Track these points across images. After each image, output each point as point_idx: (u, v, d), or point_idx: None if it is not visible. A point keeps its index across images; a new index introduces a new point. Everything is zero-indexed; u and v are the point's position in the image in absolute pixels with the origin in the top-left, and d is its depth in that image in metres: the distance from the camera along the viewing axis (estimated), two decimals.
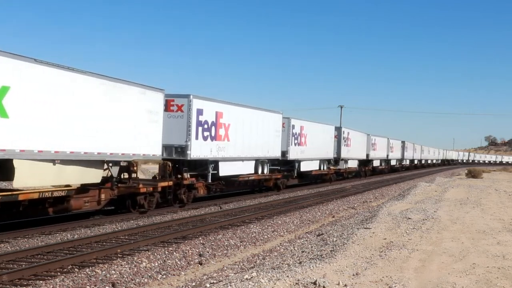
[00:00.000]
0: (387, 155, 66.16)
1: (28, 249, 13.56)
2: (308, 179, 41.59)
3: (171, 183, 22.30)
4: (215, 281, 10.53)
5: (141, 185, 20.45)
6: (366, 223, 15.91)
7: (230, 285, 8.70)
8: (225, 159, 25.98)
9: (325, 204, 27.65)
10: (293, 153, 35.36)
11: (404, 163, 78.95)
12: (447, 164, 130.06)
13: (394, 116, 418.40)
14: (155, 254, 13.82)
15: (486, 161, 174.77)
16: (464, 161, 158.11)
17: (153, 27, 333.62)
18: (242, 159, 27.99)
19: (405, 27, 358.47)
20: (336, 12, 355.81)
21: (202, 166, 24.87)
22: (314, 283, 8.60)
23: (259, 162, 30.25)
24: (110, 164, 18.94)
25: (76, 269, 11.99)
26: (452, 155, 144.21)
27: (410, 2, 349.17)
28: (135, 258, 13.18)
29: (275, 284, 8.56)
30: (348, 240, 12.91)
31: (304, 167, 37.79)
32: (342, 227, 17.05)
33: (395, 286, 8.68)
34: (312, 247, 13.86)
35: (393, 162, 71.11)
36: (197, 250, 14.82)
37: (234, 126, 26.73)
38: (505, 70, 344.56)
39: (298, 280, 8.77)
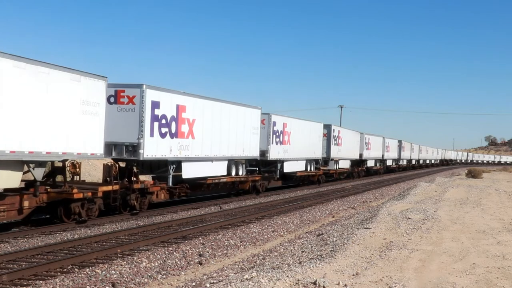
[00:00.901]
0: (383, 155, 63.76)
1: (28, 249, 13.56)
2: (293, 181, 38.55)
3: (116, 187, 19.14)
4: (215, 281, 10.53)
5: (75, 190, 17.19)
6: (366, 223, 15.91)
7: (230, 285, 8.70)
8: (190, 159, 23.11)
9: (325, 204, 27.65)
10: (274, 153, 32.56)
11: (401, 163, 76.75)
12: (446, 164, 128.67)
13: (394, 116, 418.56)
14: (155, 254, 13.83)
15: (485, 161, 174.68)
16: (463, 161, 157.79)
17: (153, 27, 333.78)
18: (212, 159, 25.19)
19: (405, 27, 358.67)
20: (336, 12, 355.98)
21: (161, 168, 22.24)
22: (314, 283, 8.60)
23: (232, 162, 27.39)
24: (32, 165, 15.81)
25: (76, 269, 12.00)
26: (451, 155, 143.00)
27: (410, 2, 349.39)
28: (135, 258, 13.18)
29: (275, 284, 8.56)
30: (348, 240, 12.91)
31: (288, 168, 34.94)
32: (342, 227, 17.04)
33: (395, 286, 8.68)
34: (312, 247, 13.86)
35: (389, 163, 68.74)
36: (197, 250, 14.82)
37: (201, 122, 23.75)
38: (505, 70, 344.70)
39: (298, 280, 8.77)
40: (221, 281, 9.92)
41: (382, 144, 63.36)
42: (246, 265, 13.26)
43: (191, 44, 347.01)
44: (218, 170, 26.06)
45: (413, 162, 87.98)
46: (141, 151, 19.98)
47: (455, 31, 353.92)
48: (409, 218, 16.41)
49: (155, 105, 20.60)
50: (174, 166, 22.21)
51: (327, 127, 43.25)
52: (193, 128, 23.29)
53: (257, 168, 31.45)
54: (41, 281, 10.92)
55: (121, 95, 20.05)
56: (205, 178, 25.02)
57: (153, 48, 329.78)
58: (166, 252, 14.14)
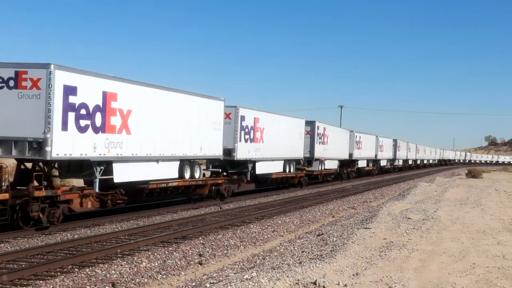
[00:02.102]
0: (376, 155, 59.89)
1: (28, 249, 13.57)
2: (268, 183, 34.06)
3: (6, 195, 15.20)
4: (215, 281, 10.53)
5: None
6: (366, 223, 15.91)
7: (230, 285, 8.70)
8: (124, 159, 18.95)
9: (325, 204, 27.66)
10: (243, 152, 28.40)
11: (396, 163, 73.12)
12: (444, 164, 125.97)
13: (394, 116, 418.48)
14: (155, 254, 13.83)
15: (483, 161, 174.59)
16: (461, 161, 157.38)
17: (153, 27, 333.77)
18: (157, 159, 20.97)
19: (405, 27, 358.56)
20: (336, 12, 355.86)
21: (84, 170, 18.37)
22: (314, 283, 8.60)
23: (186, 163, 23.26)
24: None
25: (76, 269, 12.00)
26: (449, 155, 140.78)
27: (410, 2, 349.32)
28: (135, 258, 13.19)
29: (275, 284, 8.56)
30: (348, 240, 12.91)
31: (261, 169, 30.65)
32: (342, 227, 17.04)
33: (395, 286, 8.68)
34: (312, 247, 13.86)
35: (383, 163, 64.81)
36: (197, 250, 14.82)
37: (139, 114, 19.61)
38: (505, 70, 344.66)
39: (298, 280, 8.77)
40: (221, 281, 9.92)
41: (375, 143, 59.82)
42: (246, 265, 13.26)
43: (191, 44, 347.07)
44: (166, 172, 21.81)
45: (410, 162, 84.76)
46: (48, 148, 15.75)
47: (455, 31, 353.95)
48: (409, 218, 16.41)
49: (70, 90, 16.47)
50: (102, 167, 18.04)
51: (310, 123, 39.08)
52: (128, 121, 18.95)
53: (220, 170, 28.41)
54: (41, 281, 10.93)
55: (23, 77, 15.92)
56: (146, 182, 20.46)
57: (153, 48, 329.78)
58: (166, 252, 14.14)
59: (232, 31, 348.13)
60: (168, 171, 22.04)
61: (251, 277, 9.04)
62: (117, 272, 12.00)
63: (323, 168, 41.82)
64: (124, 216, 19.94)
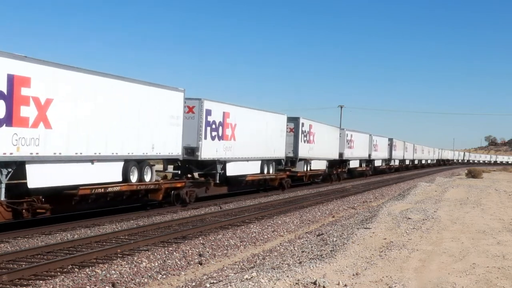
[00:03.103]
0: (369, 155, 56.83)
1: (28, 249, 13.57)
2: (243, 186, 30.12)
3: None
4: (215, 281, 10.53)
5: None
6: (366, 223, 15.91)
7: (230, 285, 8.70)
8: (41, 160, 15.63)
9: (325, 204, 27.66)
10: (209, 151, 24.96)
11: (392, 163, 69.79)
12: (443, 164, 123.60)
13: (394, 116, 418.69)
14: (155, 254, 13.83)
15: (481, 161, 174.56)
16: (460, 161, 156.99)
17: (153, 27, 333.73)
18: (91, 159, 17.60)
19: (405, 27, 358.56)
20: (336, 12, 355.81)
21: None
22: (314, 283, 8.60)
23: (132, 164, 19.73)
24: None
25: (76, 269, 12.00)
26: (448, 154, 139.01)
27: (410, 2, 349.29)
28: (135, 258, 13.19)
29: (275, 284, 8.56)
30: (348, 240, 12.91)
31: (233, 170, 27.37)
32: (342, 227, 17.05)
33: (395, 286, 8.68)
34: (312, 247, 13.86)
35: (377, 163, 61.43)
36: (197, 250, 14.82)
37: (60, 104, 16.12)
38: (505, 70, 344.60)
39: (298, 280, 8.77)
40: (221, 281, 9.92)
41: (368, 142, 56.66)
42: (246, 265, 13.27)
43: (191, 44, 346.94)
44: (105, 175, 18.42)
45: (407, 162, 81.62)
46: None
47: (455, 31, 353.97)
48: (409, 218, 16.41)
49: None
50: (10, 170, 14.88)
51: (294, 120, 35.60)
52: (47, 113, 15.72)
53: (180, 172, 25.13)
54: (41, 281, 10.92)
55: None
56: (74, 187, 17.19)
57: (153, 48, 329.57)
58: (166, 252, 14.14)
59: (232, 31, 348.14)
60: (108, 174, 18.49)
61: (251, 277, 9.04)
62: (117, 272, 12.00)
63: (308, 169, 38.52)
64: (124, 216, 19.93)
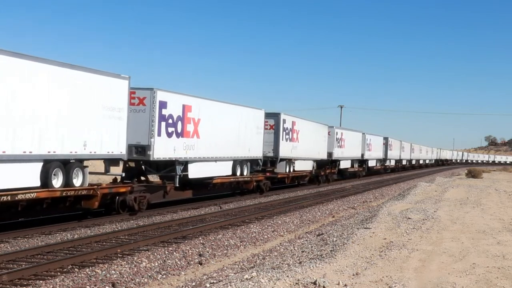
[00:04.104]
0: (362, 154, 53.88)
1: (28, 249, 13.57)
2: (209, 189, 26.69)
3: None
4: (215, 281, 10.53)
5: None
6: (366, 223, 15.91)
7: (230, 285, 8.70)
8: None
9: (325, 204, 27.67)
10: (165, 149, 21.53)
11: (387, 164, 66.93)
12: (441, 164, 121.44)
13: (394, 116, 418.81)
14: (155, 254, 13.84)
15: (479, 161, 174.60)
16: (458, 161, 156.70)
17: (153, 27, 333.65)
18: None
19: (405, 27, 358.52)
20: (336, 12, 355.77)
21: None
22: (314, 283, 8.61)
23: (54, 166, 16.24)
24: None
25: (76, 269, 12.01)
26: (447, 154, 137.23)
27: (410, 2, 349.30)
28: (135, 258, 13.19)
29: (275, 284, 8.56)
30: (348, 240, 12.92)
31: (197, 171, 23.84)
32: (342, 227, 17.05)
33: (395, 286, 8.68)
34: (312, 247, 13.86)
35: (371, 163, 58.45)
36: (197, 250, 14.83)
37: None
38: (505, 70, 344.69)
39: (298, 280, 8.78)
40: (221, 281, 9.92)
41: (361, 141, 53.52)
42: (246, 265, 13.27)
43: (191, 44, 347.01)
44: (16, 179, 15.01)
45: (404, 162, 78.28)
46: None
47: (455, 31, 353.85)
48: (409, 218, 16.41)
49: None
50: None
51: (274, 116, 32.49)
52: None
53: (122, 174, 21.17)
54: (41, 281, 10.93)
55: None
56: None
57: (153, 48, 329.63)
58: (166, 252, 14.15)
59: (232, 31, 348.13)
60: (20, 178, 15.19)
61: (251, 277, 9.04)
62: (117, 272, 12.01)
63: (291, 170, 35.09)
64: (124, 216, 19.93)
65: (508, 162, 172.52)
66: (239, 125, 27.77)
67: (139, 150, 20.61)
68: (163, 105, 21.16)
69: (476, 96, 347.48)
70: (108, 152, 18.57)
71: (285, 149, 33.33)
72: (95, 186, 18.37)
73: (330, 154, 43.51)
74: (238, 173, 27.96)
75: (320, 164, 42.05)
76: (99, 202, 18.34)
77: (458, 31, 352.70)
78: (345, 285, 8.69)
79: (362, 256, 11.05)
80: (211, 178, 25.39)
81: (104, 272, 11.93)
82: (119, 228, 17.73)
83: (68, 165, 17.03)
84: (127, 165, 21.64)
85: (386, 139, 64.91)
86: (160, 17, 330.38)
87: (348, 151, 48.44)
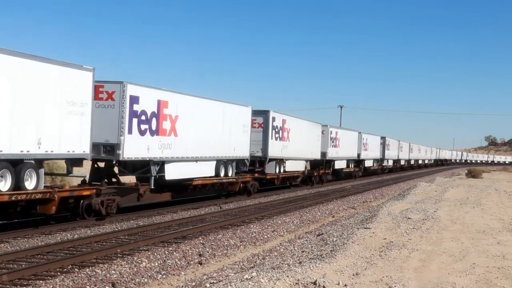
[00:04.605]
0: (359, 154, 52.22)
1: (28, 249, 13.57)
2: (189, 192, 24.92)
3: None
4: (215, 281, 10.53)
5: None
6: (366, 223, 15.92)
7: (230, 285, 8.71)
8: None
9: (325, 204, 27.68)
10: (138, 148, 19.80)
11: (385, 164, 65.32)
12: (440, 164, 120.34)
13: (394, 116, 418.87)
14: (155, 254, 13.84)
15: (478, 161, 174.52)
16: (458, 161, 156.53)
17: (153, 27, 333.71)
18: None
19: (405, 27, 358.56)
20: (336, 12, 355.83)
21: None
22: (314, 283, 8.61)
23: (1, 166, 14.77)
24: None
25: (76, 269, 12.02)
26: (446, 154, 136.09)
27: (410, 2, 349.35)
28: (135, 258, 13.20)
29: (275, 284, 8.57)
30: (348, 240, 12.92)
31: (175, 172, 21.99)
32: (342, 227, 17.05)
33: (395, 286, 8.69)
34: (312, 247, 13.86)
35: (368, 163, 56.64)
36: (197, 250, 14.83)
37: None
38: (505, 70, 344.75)
39: (298, 280, 8.78)
40: (221, 281, 9.92)
41: (357, 140, 51.73)
42: (246, 265, 13.27)
43: (191, 44, 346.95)
44: None
45: (402, 162, 76.52)
46: None
47: (455, 31, 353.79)
48: (409, 218, 16.42)
49: None
50: None
51: (262, 114, 30.64)
52: None
53: (85, 176, 19.83)
54: (41, 281, 10.93)
55: None
56: None
57: (153, 48, 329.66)
58: (166, 252, 14.15)
59: (232, 31, 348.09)
60: None
61: (251, 277, 9.04)
62: (117, 272, 12.01)
63: (282, 171, 33.27)
64: (124, 216, 19.93)
65: (507, 162, 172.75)
66: (223, 123, 25.99)
67: (107, 149, 19.03)
68: (134, 100, 19.55)
69: (476, 96, 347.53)
70: (69, 151, 16.91)
71: (275, 149, 31.77)
72: (52, 189, 16.54)
73: (324, 154, 41.88)
74: (222, 174, 26.33)
75: (313, 164, 41.10)
76: (57, 206, 16.73)
77: (458, 31, 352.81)
78: (345, 285, 8.69)
79: (362, 256, 11.05)
80: (191, 179, 23.67)
81: (104, 272, 11.93)
82: (119, 228, 17.73)
83: (19, 165, 15.39)
84: (95, 166, 20.17)
85: (383, 138, 63.45)
86: (160, 17, 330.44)
87: (343, 150, 46.88)
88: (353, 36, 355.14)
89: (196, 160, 23.60)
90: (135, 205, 22.21)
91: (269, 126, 30.72)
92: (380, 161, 62.81)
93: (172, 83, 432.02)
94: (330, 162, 43.92)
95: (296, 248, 14.48)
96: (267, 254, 14.65)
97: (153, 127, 20.60)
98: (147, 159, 20.43)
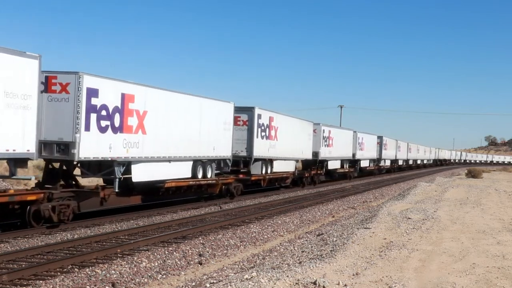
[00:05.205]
0: (354, 154, 50.36)
1: (28, 249, 13.57)
2: (161, 195, 22.48)
3: None
4: (215, 281, 10.54)
5: None
6: (366, 223, 15.92)
7: (230, 285, 8.71)
8: None
9: (325, 204, 27.68)
10: (97, 147, 17.73)
11: (382, 164, 63.66)
12: (440, 164, 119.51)
13: (394, 116, 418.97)
14: (155, 254, 13.84)
15: (478, 161, 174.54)
16: (457, 161, 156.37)
17: (153, 27, 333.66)
18: None
19: (405, 27, 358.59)
20: (336, 12, 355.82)
21: None
22: (314, 283, 8.61)
23: None
24: None
25: (76, 269, 12.02)
26: (445, 154, 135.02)
27: (410, 2, 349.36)
28: (135, 258, 13.20)
29: (275, 284, 8.57)
30: (348, 240, 12.92)
31: (144, 174, 20.00)
32: (342, 227, 17.06)
33: (395, 286, 8.69)
34: (312, 247, 13.87)
35: (364, 163, 54.99)
36: (197, 250, 14.84)
37: None
38: (505, 70, 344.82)
39: (298, 280, 8.78)
40: (221, 281, 9.93)
41: (352, 140, 49.95)
42: (246, 265, 13.28)
43: (191, 44, 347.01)
44: None
45: (400, 162, 75.19)
46: None
47: (455, 31, 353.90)
48: (409, 218, 16.42)
49: None
50: None
51: (247, 111, 28.72)
52: None
53: (32, 177, 17.89)
54: (41, 281, 10.94)
55: None
56: None
57: (153, 48, 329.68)
58: (166, 252, 14.16)
59: (232, 31, 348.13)
60: None
61: (251, 277, 9.04)
62: (117, 272, 12.01)
63: (269, 171, 31.35)
64: (124, 216, 19.93)
65: (506, 162, 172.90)
66: (201, 120, 23.85)
67: (61, 148, 16.98)
68: (93, 93, 17.45)
69: (476, 96, 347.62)
70: (8, 150, 14.71)
71: (261, 148, 29.73)
72: None
73: (316, 154, 39.84)
74: (200, 175, 24.17)
75: (305, 164, 39.75)
76: None
77: (458, 31, 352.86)
78: (345, 285, 8.69)
79: (362, 256, 11.06)
80: (163, 181, 21.58)
81: (104, 272, 11.94)
82: (119, 228, 17.73)
83: None
84: (50, 166, 18.30)
85: (380, 138, 61.70)
86: (160, 17, 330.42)
87: (337, 150, 44.70)
88: (353, 36, 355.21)
89: (169, 160, 21.59)
90: (134, 205, 22.20)
91: (254, 123, 28.74)
92: (377, 161, 61.26)
93: (172, 83, 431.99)
94: (323, 163, 42.13)
95: (296, 248, 14.48)
96: (267, 254, 14.65)
97: (116, 124, 18.51)
98: (109, 159, 18.33)
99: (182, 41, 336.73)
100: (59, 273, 11.66)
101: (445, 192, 28.44)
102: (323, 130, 41.33)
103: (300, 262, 11.24)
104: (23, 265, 12.11)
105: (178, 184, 22.60)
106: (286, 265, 11.14)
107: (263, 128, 29.95)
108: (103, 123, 17.96)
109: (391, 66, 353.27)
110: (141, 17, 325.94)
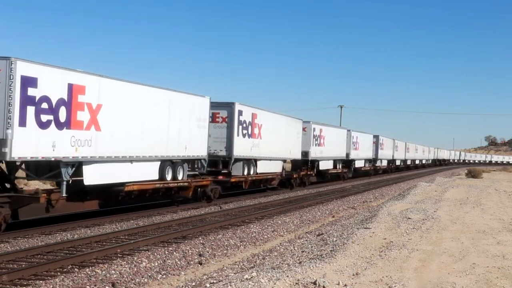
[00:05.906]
0: (348, 154, 48.27)
1: (28, 249, 13.57)
2: (122, 199, 20.14)
3: None
4: (215, 281, 10.53)
5: None
6: (366, 223, 15.91)
7: (230, 285, 8.71)
8: None
9: (325, 204, 27.68)
10: (35, 145, 15.24)
11: (378, 164, 61.78)
12: (439, 164, 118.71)
13: (394, 116, 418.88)
14: (155, 254, 13.84)
15: (477, 161, 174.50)
16: (456, 160, 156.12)
17: (153, 27, 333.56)
18: None
19: (405, 27, 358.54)
20: (336, 12, 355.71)
21: None
22: (314, 283, 8.61)
23: None
24: None
25: (76, 269, 12.02)
26: (444, 154, 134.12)
27: (410, 2, 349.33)
28: (135, 258, 13.20)
29: (275, 284, 8.56)
30: (348, 240, 12.92)
31: (98, 176, 17.67)
32: (342, 227, 17.05)
33: (395, 286, 8.69)
34: (312, 247, 13.86)
35: (359, 164, 53.05)
36: (197, 250, 14.83)
37: None
38: (505, 70, 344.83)
39: (298, 280, 8.78)
40: (221, 281, 9.92)
41: (346, 139, 47.74)
42: (246, 265, 13.27)
43: (192, 44, 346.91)
44: None
45: (398, 162, 73.46)
46: None
47: (455, 31, 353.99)
48: (409, 218, 16.42)
49: None
50: None
51: (226, 107, 26.48)
52: None
53: None
54: (41, 281, 10.94)
55: None
56: None
57: (153, 48, 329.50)
58: (166, 252, 14.15)
59: (232, 31, 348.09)
60: None
61: (251, 277, 9.04)
62: (117, 272, 12.01)
63: (252, 172, 29.19)
64: (124, 216, 19.93)
65: (505, 162, 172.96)
66: (169, 115, 21.40)
67: None
68: (29, 82, 14.88)
69: (476, 96, 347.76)
70: None
71: (242, 147, 27.46)
72: None
73: (306, 154, 37.68)
74: (169, 177, 21.74)
75: (295, 165, 37.84)
76: None
77: (458, 31, 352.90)
78: (345, 285, 8.69)
79: (362, 256, 11.05)
80: (123, 184, 18.99)
81: (104, 272, 11.93)
82: (119, 228, 17.73)
83: None
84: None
85: (376, 137, 59.42)
86: (160, 17, 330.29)
87: (329, 150, 42.32)
88: (353, 36, 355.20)
89: (130, 160, 19.13)
90: (134, 205, 22.19)
91: (234, 120, 26.39)
92: (372, 161, 59.21)
93: (172, 83, 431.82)
94: (314, 163, 39.81)
95: (296, 248, 14.48)
96: (267, 254, 14.64)
97: (62, 119, 16.02)
98: (53, 159, 15.88)
99: (182, 41, 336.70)
100: (59, 273, 11.66)
101: (445, 192, 28.43)
102: (314, 129, 38.99)
103: (300, 262, 11.23)
104: (23, 265, 12.11)
105: (141, 187, 20.13)
106: (286, 265, 11.14)
107: (244, 125, 27.72)
108: (44, 117, 15.45)
109: (391, 66, 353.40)
110: (141, 17, 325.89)
